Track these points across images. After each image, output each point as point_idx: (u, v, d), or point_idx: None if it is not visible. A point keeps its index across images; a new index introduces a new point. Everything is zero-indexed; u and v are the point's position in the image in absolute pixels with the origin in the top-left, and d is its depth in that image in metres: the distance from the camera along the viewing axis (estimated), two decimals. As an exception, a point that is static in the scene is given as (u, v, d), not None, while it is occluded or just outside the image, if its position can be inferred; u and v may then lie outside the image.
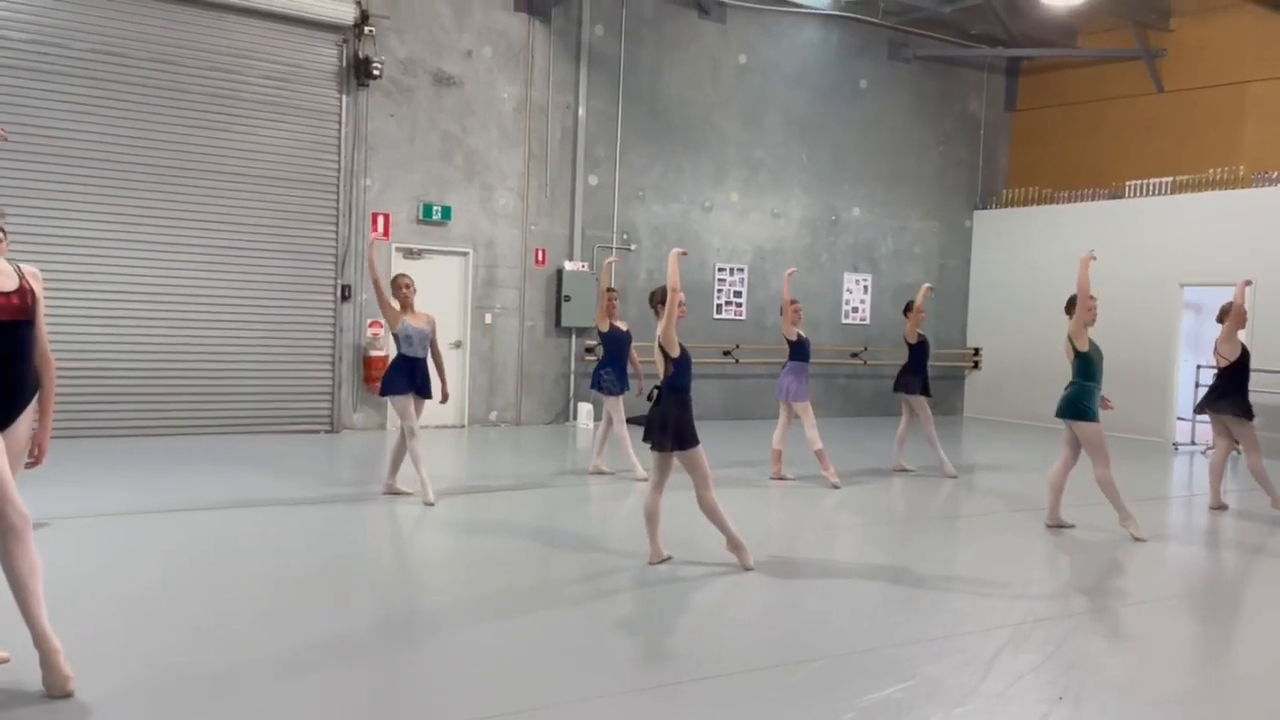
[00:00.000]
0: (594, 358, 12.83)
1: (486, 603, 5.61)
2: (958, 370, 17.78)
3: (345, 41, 12.18)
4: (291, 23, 11.83)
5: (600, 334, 9.85)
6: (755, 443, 12.03)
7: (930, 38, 16.70)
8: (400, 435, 8.36)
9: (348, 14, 11.98)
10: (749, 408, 15.47)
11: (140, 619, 5.12)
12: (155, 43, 11.16)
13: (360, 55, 12.13)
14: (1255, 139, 14.71)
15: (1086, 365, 7.83)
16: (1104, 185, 16.10)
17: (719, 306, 15.23)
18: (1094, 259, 7.80)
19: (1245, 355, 9.16)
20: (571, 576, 6.23)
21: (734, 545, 6.48)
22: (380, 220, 12.55)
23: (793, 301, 9.83)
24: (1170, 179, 15.13)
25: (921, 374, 10.64)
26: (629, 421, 9.95)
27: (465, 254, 13.24)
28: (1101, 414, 7.88)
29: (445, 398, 8.72)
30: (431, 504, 8.10)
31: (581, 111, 13.82)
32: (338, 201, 12.28)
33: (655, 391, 6.46)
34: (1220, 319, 9.27)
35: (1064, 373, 8.03)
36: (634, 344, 9.95)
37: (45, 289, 4.35)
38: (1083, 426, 7.81)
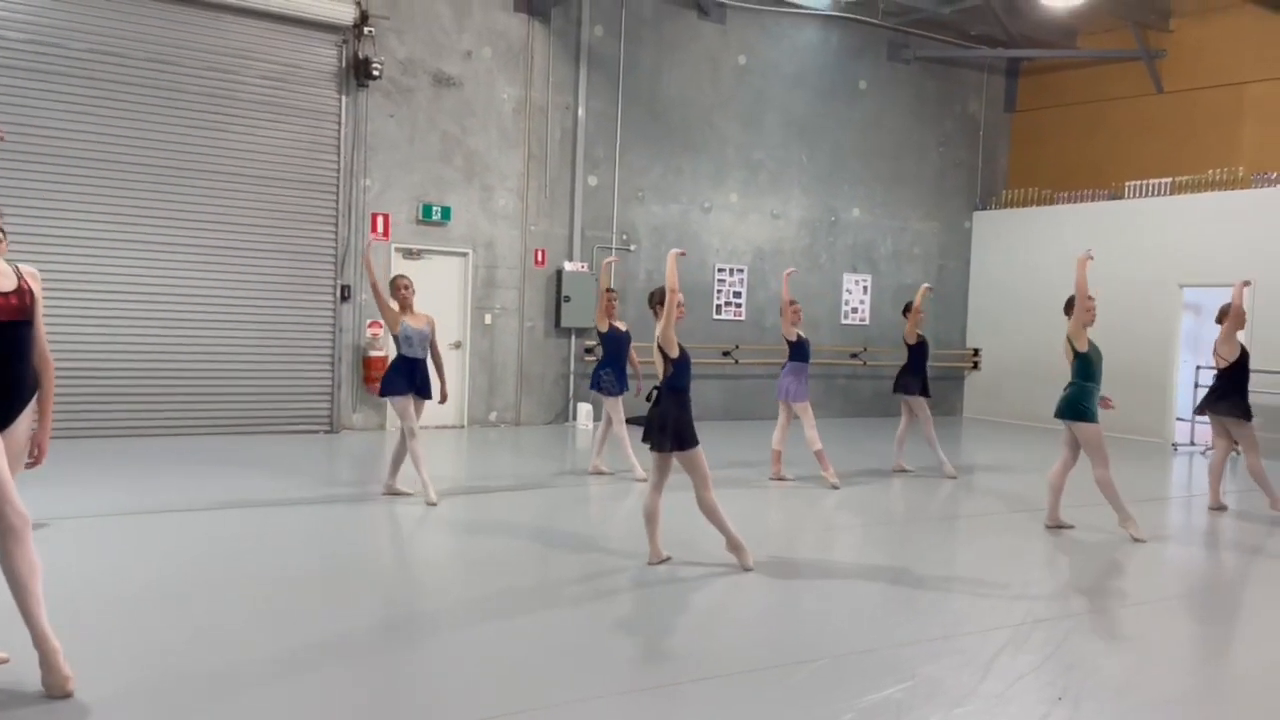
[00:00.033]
0: (593, 358, 12.83)
1: (486, 603, 5.61)
2: (957, 371, 17.79)
3: (345, 42, 12.18)
4: (290, 23, 11.83)
5: (600, 334, 9.85)
6: (754, 443, 12.04)
7: (930, 38, 16.70)
8: (401, 436, 8.36)
9: (347, 14, 11.98)
10: (748, 408, 15.47)
11: (139, 619, 5.11)
12: (154, 43, 11.16)
13: (360, 56, 12.13)
14: (1254, 140, 14.71)
15: (1085, 366, 7.83)
16: (1103, 186, 16.11)
17: (718, 307, 15.23)
18: (1091, 258, 7.80)
19: (1244, 356, 9.16)
20: (571, 577, 6.23)
21: (733, 546, 6.48)
22: (380, 221, 12.55)
23: (792, 302, 9.83)
24: (1170, 180, 15.14)
25: (921, 375, 10.64)
26: (628, 422, 9.96)
27: (465, 254, 13.25)
28: (1101, 414, 7.88)
29: (444, 398, 8.73)
30: (434, 504, 8.10)
31: (581, 112, 13.82)
32: (337, 202, 12.28)
33: (655, 392, 6.46)
34: (1219, 320, 9.27)
35: (1063, 373, 8.03)
36: (633, 344, 9.95)
37: (44, 289, 4.35)
38: (1082, 427, 7.81)
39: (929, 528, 8.27)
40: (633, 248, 14.40)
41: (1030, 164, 17.70)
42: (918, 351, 10.69)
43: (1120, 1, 14.93)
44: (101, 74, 10.90)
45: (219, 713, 4.01)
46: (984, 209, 17.71)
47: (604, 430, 9.86)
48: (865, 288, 16.66)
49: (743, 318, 15.43)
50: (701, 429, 6.52)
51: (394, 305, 8.30)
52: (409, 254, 12.85)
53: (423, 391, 8.31)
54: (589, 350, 13.83)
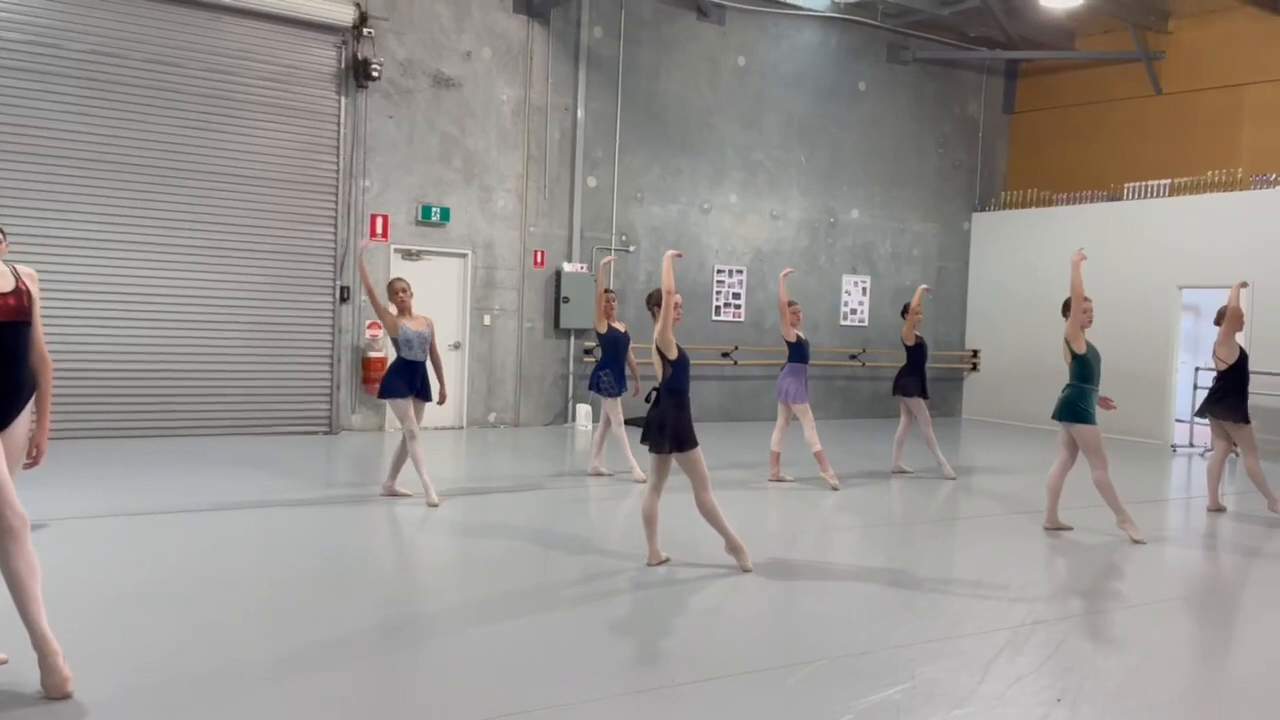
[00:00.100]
0: (592, 359, 12.83)
1: (485, 604, 5.61)
2: (956, 372, 17.79)
3: (344, 43, 12.18)
4: (290, 24, 11.83)
5: (599, 335, 9.84)
6: (754, 444, 12.04)
7: (929, 40, 16.71)
8: (403, 438, 8.36)
9: (346, 15, 11.98)
10: (747, 409, 15.47)
11: (138, 620, 5.11)
12: (152, 44, 11.16)
13: (359, 57, 12.13)
14: (1253, 141, 14.73)
15: (1083, 367, 7.83)
16: (1102, 187, 16.12)
17: (717, 308, 15.23)
18: (1084, 258, 7.81)
19: (1243, 358, 9.16)
20: (570, 578, 6.23)
21: (732, 547, 6.48)
22: (379, 221, 12.55)
23: (791, 303, 9.83)
24: (1168, 181, 15.14)
25: (919, 376, 10.63)
26: (627, 423, 9.96)
27: (464, 255, 13.25)
28: (1099, 415, 7.89)
29: (443, 399, 8.74)
30: (435, 505, 8.09)
31: (580, 113, 13.83)
32: (336, 203, 12.28)
33: (654, 393, 6.45)
34: (1218, 322, 9.28)
35: (1062, 374, 8.03)
36: (632, 346, 9.94)
37: (42, 290, 4.35)
38: (1079, 429, 7.82)
39: (928, 529, 8.28)
40: (632, 248, 14.40)
41: (1029, 165, 17.71)
42: (916, 353, 10.70)
43: (1119, 3, 14.95)
44: (100, 75, 10.90)
45: (218, 713, 4.00)
46: (983, 210, 17.72)
47: (603, 431, 9.86)
48: (864, 289, 16.67)
49: (742, 319, 15.44)
50: (700, 430, 6.52)
51: (392, 309, 8.29)
52: (408, 255, 12.85)
53: (422, 394, 8.32)
54: (588, 351, 13.83)
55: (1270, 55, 14.55)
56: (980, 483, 10.63)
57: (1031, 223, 16.80)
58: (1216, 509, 9.30)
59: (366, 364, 12.44)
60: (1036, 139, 17.71)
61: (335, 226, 12.30)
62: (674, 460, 6.39)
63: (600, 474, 9.89)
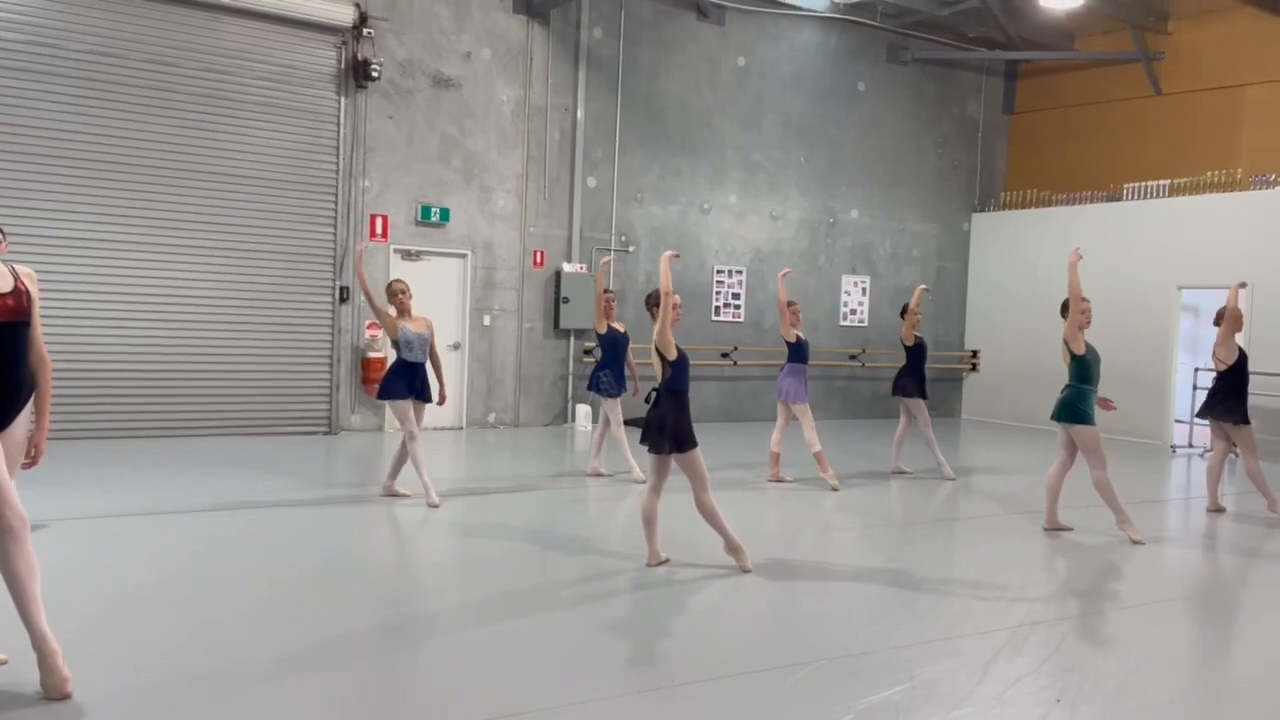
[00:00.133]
0: (592, 359, 12.83)
1: (484, 604, 5.61)
2: (955, 373, 17.80)
3: (344, 43, 12.18)
4: (289, 24, 11.83)
5: (598, 336, 9.84)
6: (753, 445, 12.04)
7: (928, 40, 16.72)
8: (403, 439, 8.36)
9: (346, 16, 11.98)
10: (747, 409, 15.48)
11: (138, 620, 5.11)
12: (152, 44, 11.15)
13: (359, 57, 12.13)
14: (1252, 142, 14.73)
15: (1082, 368, 7.83)
16: (1102, 188, 16.12)
17: (717, 308, 15.24)
18: (1081, 258, 7.81)
19: (1243, 359, 9.16)
20: (569, 579, 6.23)
21: (732, 547, 6.48)
22: (379, 222, 12.56)
23: (790, 303, 9.83)
24: (1168, 182, 15.15)
25: (919, 377, 10.63)
26: (627, 423, 9.96)
27: (464, 256, 13.25)
28: (1099, 416, 7.89)
29: (443, 400, 8.74)
30: (436, 506, 8.09)
31: (580, 113, 13.83)
32: (336, 203, 12.28)
33: (654, 394, 6.45)
34: (1217, 322, 9.27)
35: (1062, 375, 8.03)
36: (632, 346, 9.94)
37: (41, 290, 4.35)
38: (1078, 430, 7.82)
39: (927, 530, 8.28)
40: (631, 249, 14.41)
41: (1029, 166, 17.72)
42: (916, 353, 10.69)
43: (1118, 4, 14.95)
44: (99, 75, 10.90)
45: (218, 713, 4.00)
46: (982, 211, 17.73)
47: (602, 432, 9.86)
48: (864, 289, 16.67)
49: (741, 319, 15.44)
50: (700, 430, 6.53)
51: (391, 311, 8.28)
52: (407, 255, 12.85)
53: (422, 395, 8.31)
54: (588, 352, 13.83)
55: (1269, 56, 14.56)
56: (980, 483, 10.63)
57: (1031, 223, 16.80)
58: (1216, 509, 9.30)
59: (366, 364, 12.44)
60: (1036, 139, 17.71)
61: (335, 227, 12.30)
62: (673, 461, 6.39)
63: (600, 474, 9.89)
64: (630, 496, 9.01)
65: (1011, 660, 4.96)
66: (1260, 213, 13.88)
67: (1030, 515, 8.70)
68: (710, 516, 6.43)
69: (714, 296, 15.19)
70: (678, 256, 6.99)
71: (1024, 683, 4.66)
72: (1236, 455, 10.40)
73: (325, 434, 12.29)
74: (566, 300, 13.68)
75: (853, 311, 16.60)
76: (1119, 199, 15.73)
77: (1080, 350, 7.81)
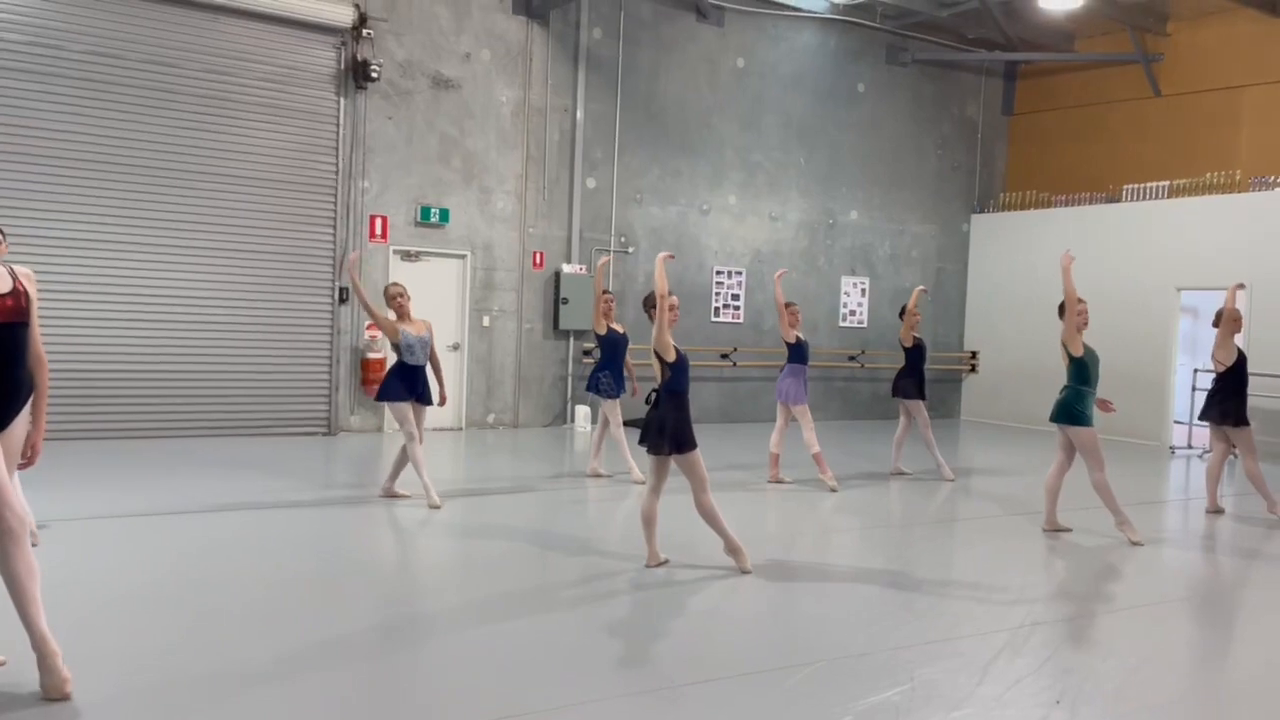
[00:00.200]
0: (591, 360, 12.83)
1: (484, 605, 5.61)
2: (955, 374, 17.80)
3: (343, 44, 12.18)
4: (289, 25, 11.82)
5: (597, 337, 9.84)
6: (753, 446, 12.04)
7: (928, 41, 16.73)
8: (404, 440, 8.35)
9: (346, 16, 11.98)
10: (746, 410, 15.48)
11: (137, 621, 5.11)
12: (151, 45, 11.15)
13: (358, 58, 12.13)
14: (1252, 143, 14.74)
15: (1081, 370, 7.83)
16: (1101, 189, 16.13)
17: (717, 309, 15.24)
18: (1073, 259, 7.80)
19: (1242, 360, 9.15)
20: (569, 579, 6.23)
21: (731, 548, 6.48)
22: (378, 222, 12.55)
23: (789, 304, 9.82)
24: (1167, 183, 15.16)
25: (918, 378, 10.63)
26: (627, 424, 9.95)
27: (463, 256, 13.24)
28: (1098, 417, 7.89)
29: (443, 401, 8.74)
30: (437, 507, 8.08)
31: (579, 114, 13.83)
32: (335, 204, 12.28)
33: (654, 394, 6.45)
34: (1216, 324, 9.27)
35: (1061, 376, 8.03)
36: (631, 347, 9.94)
37: (40, 291, 4.35)
38: (1076, 431, 7.82)
39: (927, 531, 8.28)
40: (630, 250, 14.41)
41: (1028, 167, 17.72)
42: (915, 354, 10.69)
43: (1118, 5, 14.96)
44: (99, 76, 10.90)
45: (217, 714, 4.00)
46: (982, 212, 17.73)
47: (601, 432, 9.86)
48: (863, 290, 16.68)
49: (741, 320, 15.44)
50: (699, 431, 6.52)
51: (390, 315, 8.27)
52: (407, 256, 12.85)
53: (423, 398, 8.29)
54: (587, 352, 13.83)
55: (1269, 57, 14.57)
56: (979, 484, 10.63)
57: (1030, 224, 16.81)
58: (1215, 511, 9.30)
59: (365, 365, 12.44)
60: (1035, 140, 17.72)
61: (334, 227, 12.30)
62: (673, 462, 6.39)
63: (599, 475, 9.89)
64: (629, 497, 9.01)
65: (1011, 661, 4.96)
66: (1259, 214, 13.88)
67: (1029, 516, 8.70)
68: (710, 517, 6.42)
69: (713, 297, 15.19)
70: (672, 258, 6.99)
71: (1024, 684, 4.66)
72: (1236, 456, 10.39)
73: (324, 435, 12.29)
74: (566, 301, 13.68)
75: (852, 313, 16.60)
76: (1118, 200, 15.73)
77: (1078, 352, 7.81)
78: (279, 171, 11.91)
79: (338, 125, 12.23)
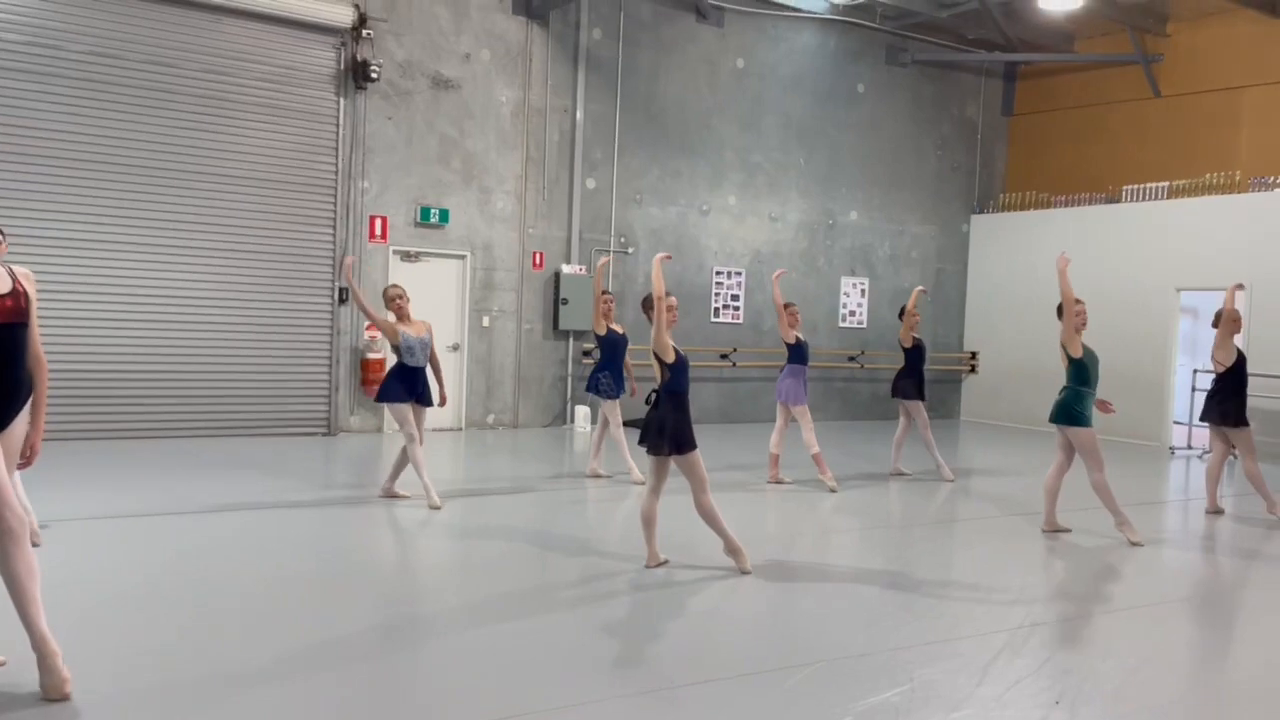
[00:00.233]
0: (591, 361, 12.83)
1: (483, 606, 5.61)
2: (954, 374, 17.80)
3: (343, 44, 12.18)
4: (289, 25, 11.82)
5: (597, 337, 9.84)
6: (752, 446, 12.04)
7: (928, 42, 16.73)
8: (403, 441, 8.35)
9: (345, 17, 11.98)
10: (746, 411, 15.48)
11: (136, 621, 5.11)
12: (151, 45, 11.15)
13: (358, 58, 12.13)
14: (1251, 144, 14.74)
15: (1080, 370, 7.83)
16: (1101, 190, 16.13)
17: (716, 310, 15.24)
18: (1069, 261, 7.80)
19: (1241, 361, 9.14)
20: (568, 580, 6.23)
21: (731, 549, 6.48)
22: (378, 223, 12.55)
23: (788, 304, 9.82)
24: (1167, 184, 15.16)
25: (917, 378, 10.62)
26: (626, 425, 9.95)
27: (463, 257, 13.24)
28: (1097, 418, 7.89)
29: (444, 401, 8.73)
30: (437, 507, 8.08)
31: (579, 115, 13.83)
32: (335, 204, 12.28)
33: (654, 395, 6.45)
34: (1215, 324, 9.27)
35: (1061, 376, 8.03)
36: (631, 347, 9.94)
37: (40, 291, 4.35)
38: (1075, 432, 7.82)
39: (926, 531, 8.28)
40: (630, 250, 14.41)
41: (1028, 168, 17.73)
42: (914, 355, 10.69)
43: (1117, 6, 14.96)
44: (99, 76, 10.90)
45: (216, 714, 4.00)
46: (981, 213, 17.74)
47: (601, 433, 9.86)
48: (863, 291, 16.68)
49: (740, 320, 15.44)
50: (699, 432, 6.52)
51: (390, 317, 8.27)
52: (406, 256, 12.85)
53: (423, 399, 8.28)
54: (587, 353, 13.83)
55: (1268, 57, 14.57)
56: (978, 485, 10.63)
57: (1030, 225, 16.81)
58: (1215, 511, 9.30)
59: (365, 365, 12.44)
60: (1035, 141, 17.72)
61: (334, 228, 12.30)
62: (673, 462, 6.39)
63: (599, 476, 9.89)
64: (629, 498, 9.01)
65: (1011, 662, 4.96)
66: (1259, 214, 13.89)
67: (1029, 517, 8.70)
68: (709, 518, 6.42)
69: (713, 298, 15.20)
70: (670, 258, 6.99)
71: (1023, 685, 4.66)
72: (1235, 457, 10.39)
73: (324, 435, 12.29)
74: (565, 301, 13.68)
75: (852, 313, 16.61)
76: (1118, 201, 15.74)
77: (1078, 354, 7.80)
78: (278, 172, 11.91)
79: (337, 126, 12.23)
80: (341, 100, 12.23)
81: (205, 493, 8.37)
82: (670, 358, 6.32)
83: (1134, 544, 7.79)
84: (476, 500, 8.68)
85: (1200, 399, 9.83)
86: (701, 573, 6.42)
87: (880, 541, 7.86)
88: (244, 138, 11.68)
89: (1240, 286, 9.52)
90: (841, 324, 16.50)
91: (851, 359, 16.50)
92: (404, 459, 8.38)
